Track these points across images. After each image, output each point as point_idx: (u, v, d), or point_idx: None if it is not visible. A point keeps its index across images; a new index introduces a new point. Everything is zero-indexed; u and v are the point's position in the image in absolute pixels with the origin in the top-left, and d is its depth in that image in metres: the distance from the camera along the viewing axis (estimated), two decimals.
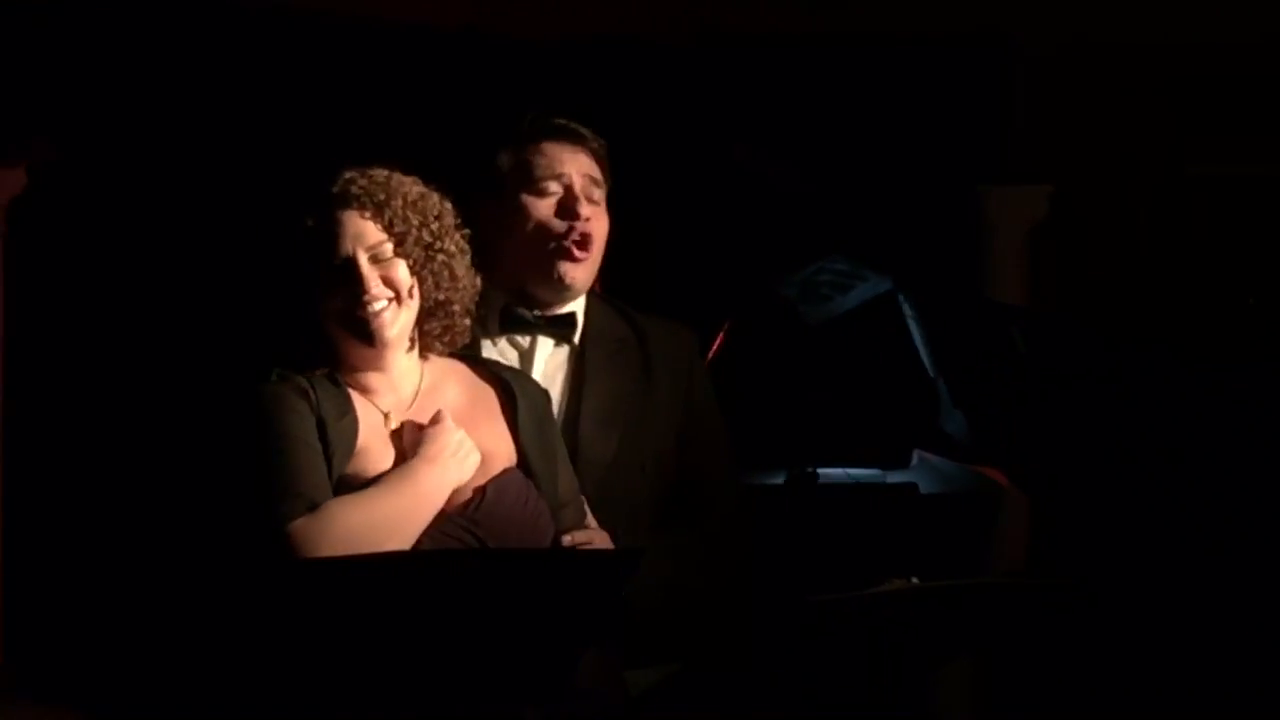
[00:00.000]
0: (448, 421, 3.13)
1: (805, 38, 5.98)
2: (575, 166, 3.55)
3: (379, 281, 3.12)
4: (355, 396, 3.13)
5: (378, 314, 3.12)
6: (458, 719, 2.84)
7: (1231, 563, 4.89)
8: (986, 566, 5.19)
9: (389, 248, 3.14)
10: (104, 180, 5.43)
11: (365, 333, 3.12)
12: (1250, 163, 6.32)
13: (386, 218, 3.14)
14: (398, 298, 3.14)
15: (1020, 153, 6.27)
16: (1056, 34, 5.99)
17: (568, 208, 3.53)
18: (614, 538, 3.31)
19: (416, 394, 3.18)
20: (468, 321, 3.25)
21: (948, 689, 5.37)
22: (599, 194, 3.57)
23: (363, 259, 3.12)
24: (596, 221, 3.56)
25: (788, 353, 5.29)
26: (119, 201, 5.44)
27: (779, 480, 5.08)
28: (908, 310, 5.18)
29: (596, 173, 3.58)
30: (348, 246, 3.13)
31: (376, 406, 3.14)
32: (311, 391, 3.08)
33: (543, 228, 3.53)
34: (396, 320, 3.14)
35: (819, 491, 5.15)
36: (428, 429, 3.13)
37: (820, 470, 5.20)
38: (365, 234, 3.13)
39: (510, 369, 3.36)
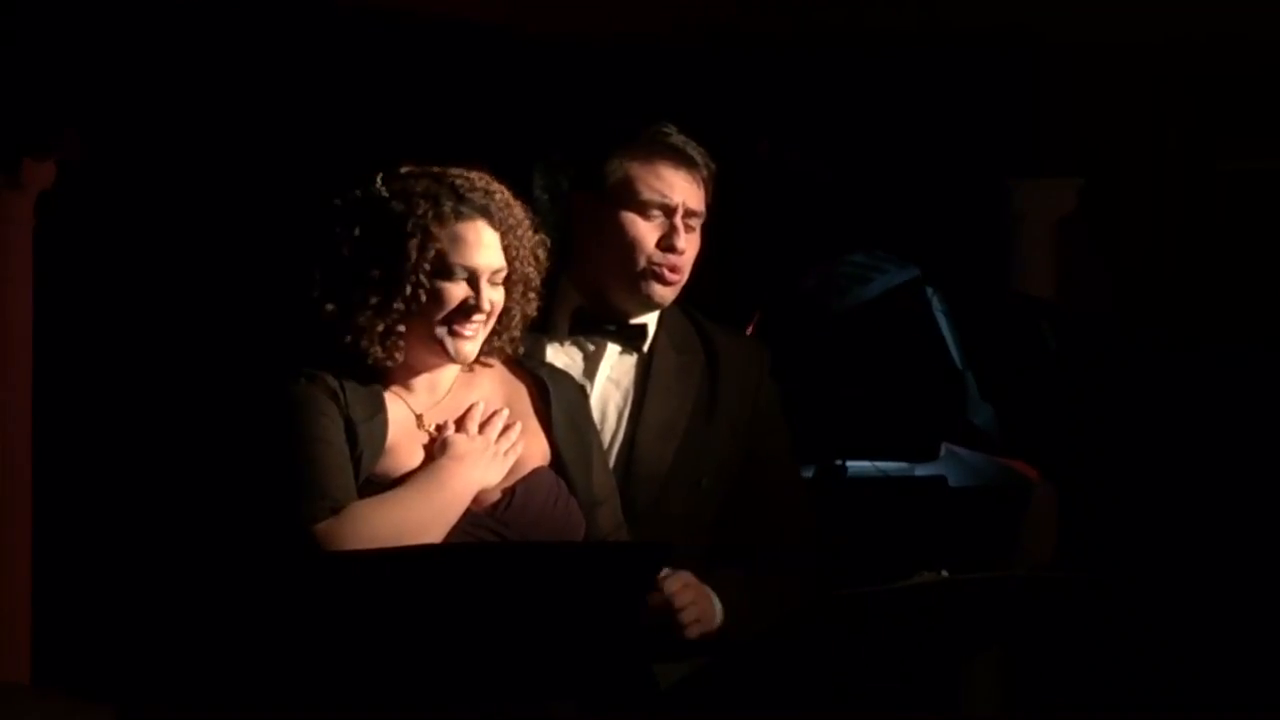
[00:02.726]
0: (476, 418, 3.12)
1: (838, 33, 5.98)
2: (683, 194, 3.47)
3: (489, 303, 3.08)
4: (387, 395, 3.10)
5: (472, 335, 3.07)
6: (487, 714, 2.84)
7: (1262, 557, 4.88)
8: (1015, 560, 5.18)
9: (502, 274, 3.10)
10: (133, 174, 5.44)
11: (452, 348, 3.06)
12: (1277, 157, 6.30)
13: (509, 244, 3.10)
14: (486, 322, 3.10)
15: (1050, 146, 6.27)
16: (1086, 28, 5.98)
17: (667, 239, 3.46)
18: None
19: (449, 392, 3.16)
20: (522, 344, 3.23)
21: (976, 683, 5.37)
22: (696, 221, 3.51)
23: (484, 276, 3.09)
24: (690, 250, 3.51)
25: (817, 346, 5.29)
26: (148, 195, 5.45)
27: (808, 474, 5.08)
28: (937, 303, 5.17)
29: (701, 201, 3.50)
30: (477, 260, 3.06)
31: (409, 406, 3.11)
32: (341, 393, 3.04)
33: (638, 250, 3.47)
34: (478, 342, 3.10)
35: (848, 485, 5.14)
36: (457, 429, 3.11)
37: (849, 463, 5.19)
38: (492, 253, 3.08)
39: (546, 366, 3.33)
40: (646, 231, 3.46)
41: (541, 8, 5.70)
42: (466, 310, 3.06)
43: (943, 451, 5.36)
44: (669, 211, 3.46)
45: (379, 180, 3.09)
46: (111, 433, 5.39)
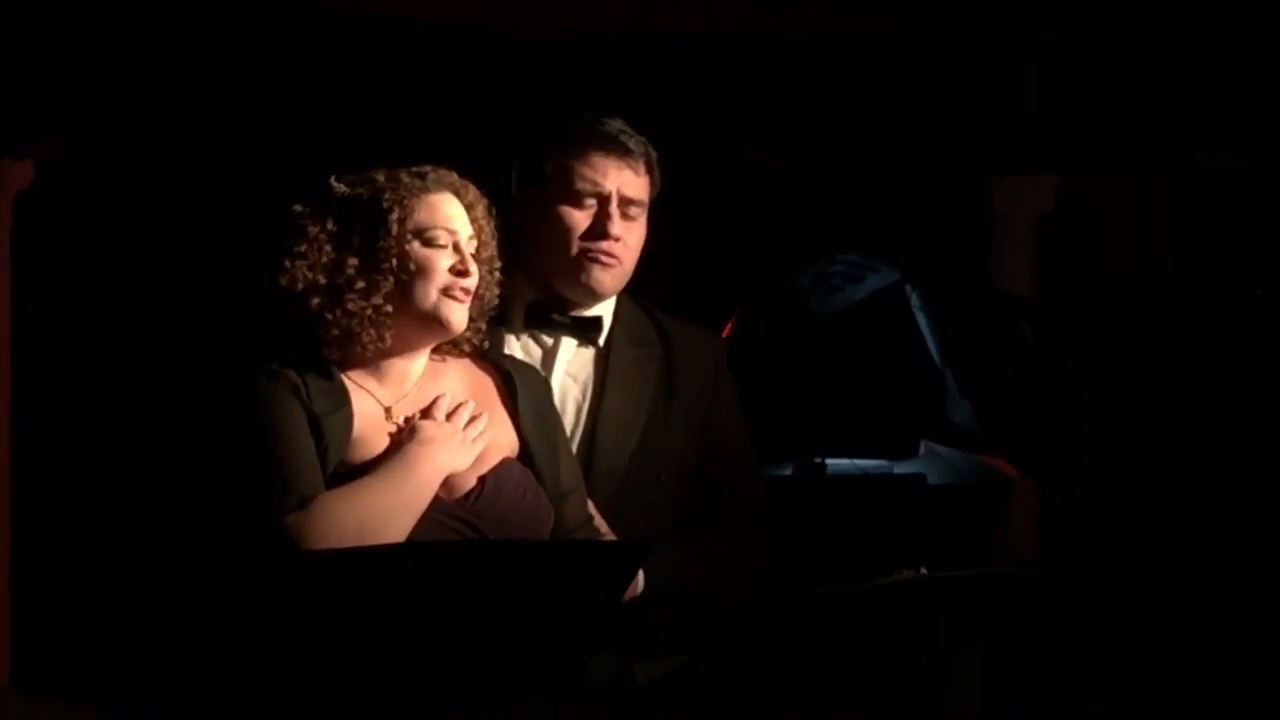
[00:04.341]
0: (443, 408, 3.13)
1: (815, 29, 5.98)
2: (618, 181, 3.51)
3: (473, 267, 3.14)
4: (352, 388, 3.12)
5: (463, 300, 3.13)
6: (464, 714, 2.84)
7: (1241, 554, 4.88)
8: (995, 557, 5.19)
9: (474, 244, 3.16)
10: (111, 174, 5.43)
11: (446, 315, 3.12)
12: (1259, 154, 6.31)
13: (475, 218, 3.17)
14: (469, 293, 3.16)
15: (1029, 143, 6.27)
16: (1066, 23, 5.98)
17: (599, 224, 3.51)
18: None
19: (415, 384, 3.18)
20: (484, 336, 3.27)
21: (959, 681, 5.37)
22: (636, 210, 3.53)
23: (463, 241, 3.14)
24: (629, 237, 3.53)
25: (796, 343, 5.29)
26: (126, 195, 5.44)
27: (787, 471, 5.08)
28: (915, 301, 5.17)
29: (638, 189, 3.54)
30: (456, 225, 3.14)
31: (375, 399, 3.14)
32: (303, 387, 3.07)
33: (573, 238, 3.51)
34: (466, 310, 3.15)
35: (827, 482, 5.15)
36: (423, 416, 3.13)
37: (828, 461, 5.19)
38: (466, 223, 3.16)
39: (510, 358, 3.36)
40: (580, 220, 3.51)
41: (512, 4, 5.70)
42: (457, 273, 3.11)
43: (922, 449, 5.37)
44: (602, 200, 3.50)
45: (333, 179, 3.15)
46: (90, 434, 5.38)
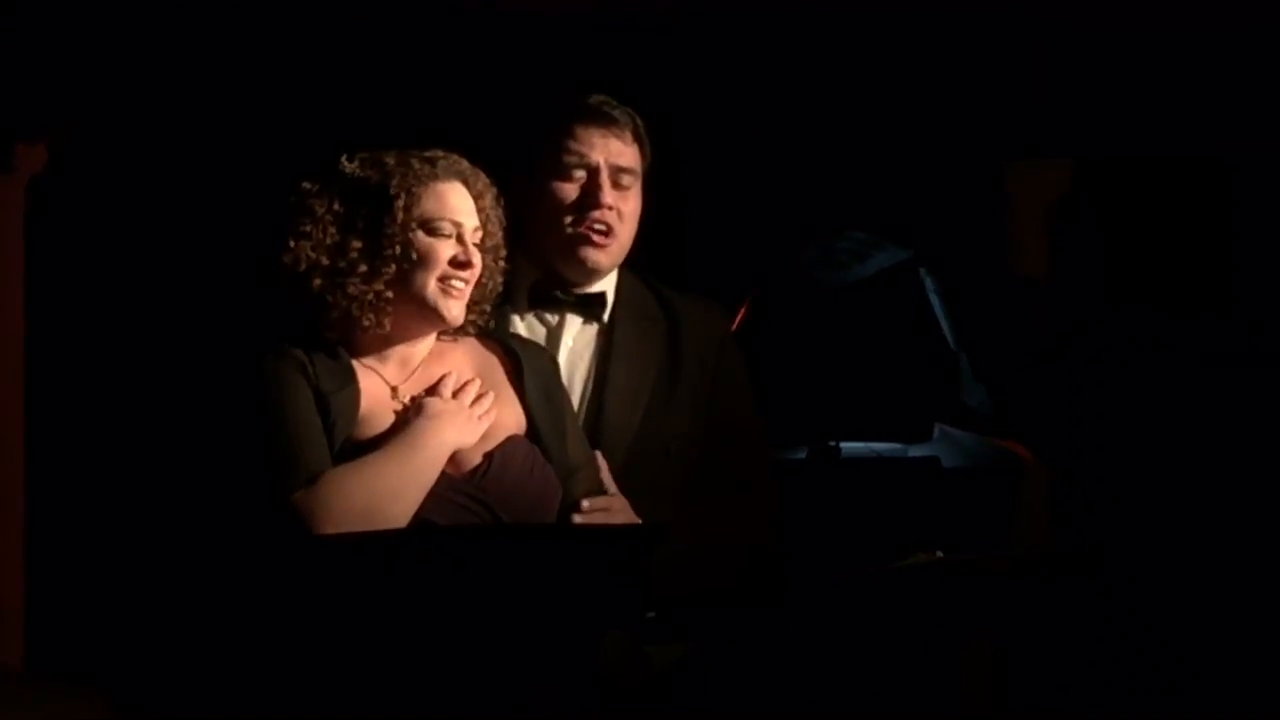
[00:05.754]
0: (450, 386, 3.14)
1: (829, 12, 5.96)
2: (604, 152, 3.53)
3: (476, 258, 3.15)
4: (358, 367, 3.14)
5: (461, 293, 3.15)
6: (473, 697, 2.84)
7: (1253, 538, 4.88)
8: (1008, 540, 5.18)
9: (480, 233, 3.17)
10: (124, 157, 5.43)
11: (444, 307, 3.14)
12: (1271, 139, 6.29)
13: (482, 207, 3.18)
14: (470, 282, 3.17)
15: (1043, 127, 6.25)
16: (1080, 7, 5.97)
17: (590, 195, 3.53)
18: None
19: (422, 364, 3.19)
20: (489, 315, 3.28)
21: (970, 667, 5.37)
22: (629, 179, 3.56)
23: (468, 233, 3.15)
24: (624, 206, 3.55)
25: (810, 327, 5.29)
26: (139, 178, 5.44)
27: (801, 455, 5.08)
28: (930, 284, 5.17)
29: (628, 158, 3.56)
30: (461, 216, 3.14)
31: (382, 378, 3.15)
32: (309, 365, 3.09)
33: (567, 212, 3.53)
34: (464, 302, 3.16)
35: (841, 466, 5.14)
36: (429, 393, 3.14)
37: (842, 444, 5.19)
38: (472, 212, 3.16)
39: (517, 337, 3.38)
40: (572, 194, 3.54)
41: None
42: (457, 264, 3.12)
43: (936, 432, 5.36)
44: (592, 171, 3.52)
45: (344, 160, 3.15)
46: (101, 415, 5.38)
